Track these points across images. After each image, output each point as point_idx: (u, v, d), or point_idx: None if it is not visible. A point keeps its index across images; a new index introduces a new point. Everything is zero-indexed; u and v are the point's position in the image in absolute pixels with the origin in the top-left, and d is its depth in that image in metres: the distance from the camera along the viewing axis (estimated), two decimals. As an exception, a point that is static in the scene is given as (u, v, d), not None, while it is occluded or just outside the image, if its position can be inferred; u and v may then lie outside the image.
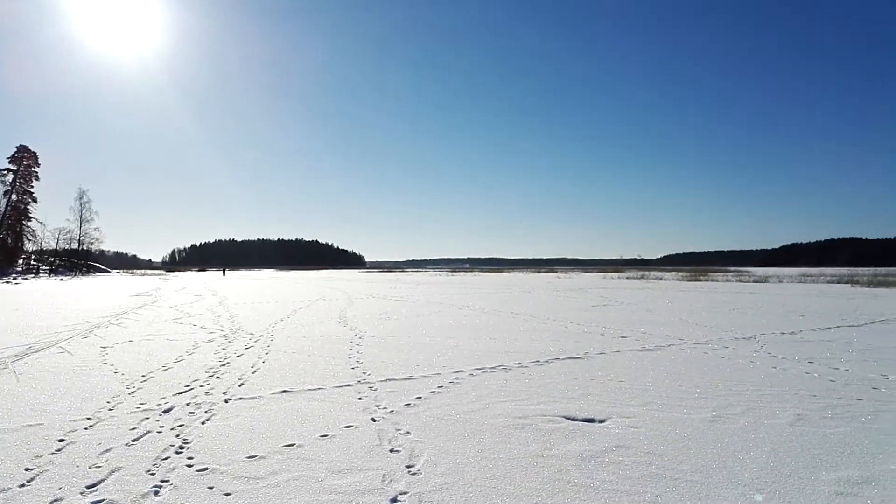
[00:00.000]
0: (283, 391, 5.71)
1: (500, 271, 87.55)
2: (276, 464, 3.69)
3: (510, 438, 4.17)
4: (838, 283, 34.77)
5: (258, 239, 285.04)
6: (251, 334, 10.15)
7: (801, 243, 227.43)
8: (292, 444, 4.06)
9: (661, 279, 44.53)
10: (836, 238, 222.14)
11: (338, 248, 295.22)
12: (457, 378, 6.33)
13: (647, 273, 58.76)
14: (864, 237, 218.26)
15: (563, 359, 7.55)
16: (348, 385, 5.98)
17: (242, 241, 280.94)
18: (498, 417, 4.73)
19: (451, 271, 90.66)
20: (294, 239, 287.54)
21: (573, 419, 4.68)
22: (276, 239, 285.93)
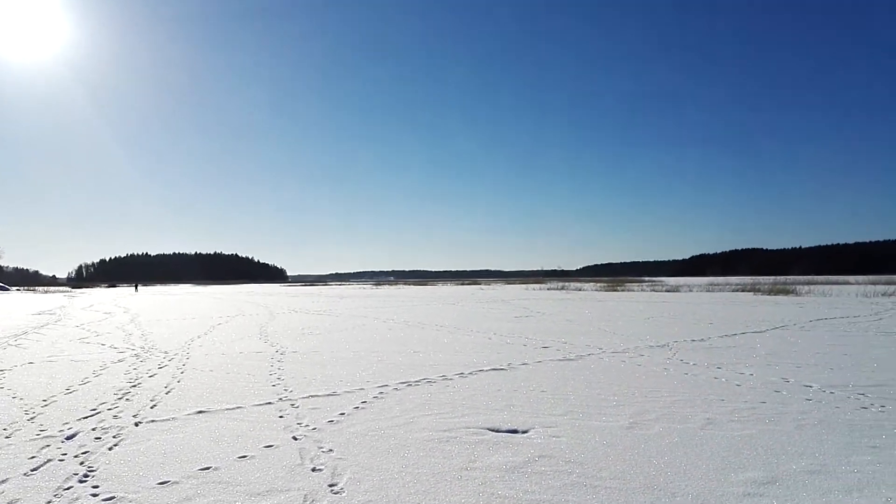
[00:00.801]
0: (200, 411, 5.48)
1: (425, 284, 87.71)
2: (190, 489, 3.52)
3: (435, 452, 4.16)
4: (742, 291, 36.78)
5: (174, 253, 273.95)
6: (165, 353, 9.71)
7: (709, 254, 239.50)
8: (208, 468, 3.89)
9: (580, 290, 45.82)
10: (739, 249, 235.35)
11: (259, 261, 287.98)
12: (381, 393, 6.27)
13: (567, 284, 60.32)
14: (764, 248, 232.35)
15: (486, 370, 7.62)
16: (269, 403, 5.81)
17: (157, 255, 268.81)
18: (422, 431, 4.71)
19: (376, 284, 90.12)
20: (213, 252, 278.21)
21: (497, 431, 4.72)
22: (193, 253, 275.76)
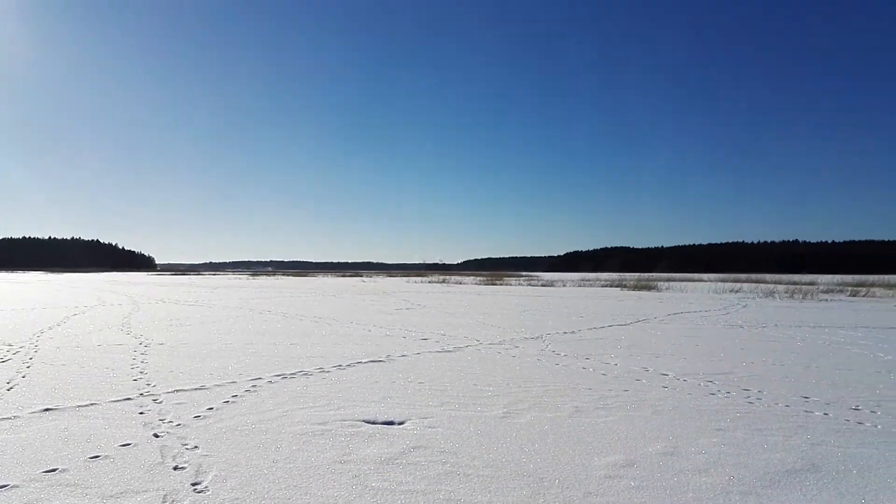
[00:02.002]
0: (47, 409, 5.01)
1: (305, 275, 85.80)
2: (33, 493, 3.20)
3: (308, 446, 4.05)
4: (611, 286, 39.05)
5: (24, 237, 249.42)
6: (9, 346, 8.82)
7: (582, 251, 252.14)
8: (55, 469, 3.56)
9: (461, 283, 46.67)
10: (609, 247, 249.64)
11: (124, 248, 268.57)
12: (254, 386, 6.03)
13: (448, 277, 61.25)
14: (631, 246, 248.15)
15: (365, 362, 7.55)
16: (128, 399, 5.42)
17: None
18: (296, 425, 4.57)
19: (253, 275, 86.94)
20: (70, 238, 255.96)
21: (373, 423, 4.67)
22: (46, 237, 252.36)
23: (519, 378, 6.61)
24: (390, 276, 76.00)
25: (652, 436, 4.37)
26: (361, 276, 78.85)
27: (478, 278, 57.98)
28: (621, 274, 70.69)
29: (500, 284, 44.86)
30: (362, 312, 16.11)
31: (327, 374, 6.70)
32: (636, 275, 59.31)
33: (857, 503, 3.13)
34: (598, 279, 54.08)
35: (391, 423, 4.69)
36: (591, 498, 3.17)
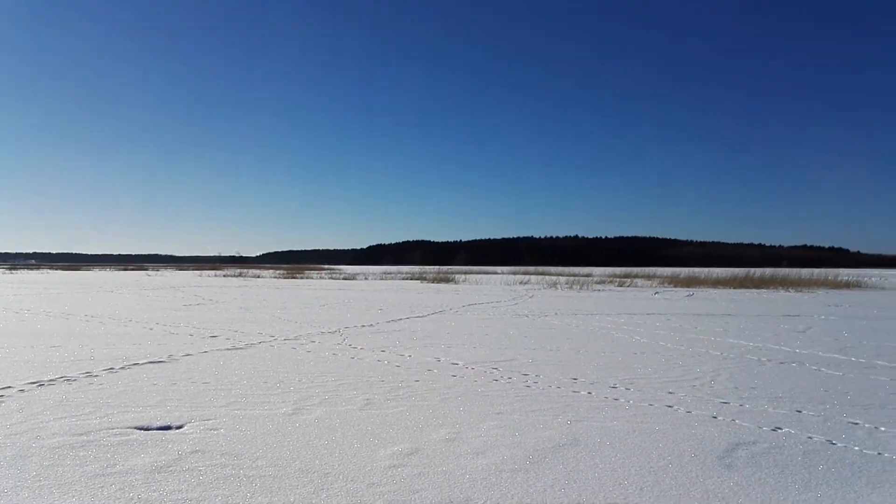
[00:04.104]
0: None
1: (78, 268, 76.69)
2: None
3: (65, 460, 3.59)
4: (411, 279, 40.15)
5: None
6: None
7: (385, 244, 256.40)
8: None
9: (259, 277, 44.98)
10: (411, 240, 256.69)
11: None
12: (0, 396, 5.23)
13: (245, 271, 58.70)
14: (431, 239, 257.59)
15: (143, 363, 6.92)
16: None
17: None
18: (51, 437, 4.04)
19: (10, 268, 75.79)
20: None
21: (146, 429, 4.29)
22: None
23: (312, 373, 6.50)
24: (181, 270, 70.96)
25: (437, 423, 4.53)
26: (147, 269, 72.61)
27: (277, 271, 56.25)
28: (422, 267, 73.04)
29: (301, 278, 44.02)
30: (144, 309, 14.80)
31: (95, 379, 6.03)
32: (436, 267, 61.62)
33: (607, 470, 3.51)
34: (399, 272, 55.37)
35: (168, 427, 4.35)
36: (374, 489, 3.20)
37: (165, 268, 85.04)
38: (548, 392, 5.68)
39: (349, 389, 5.71)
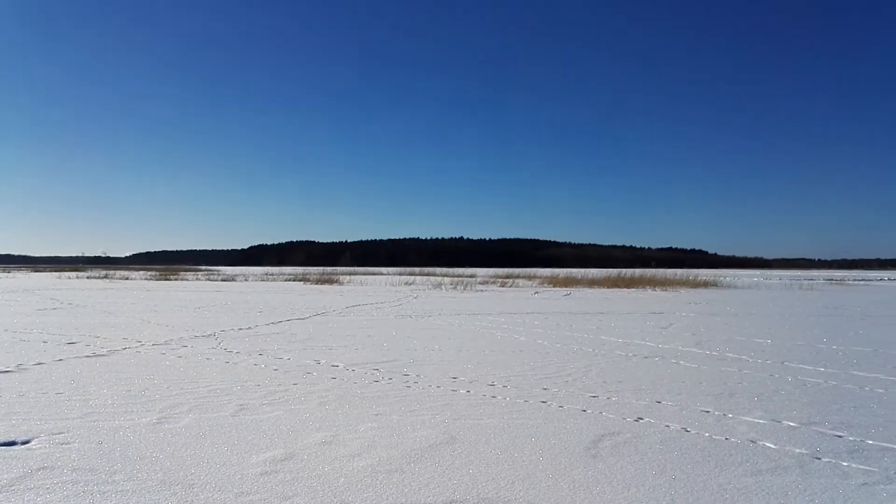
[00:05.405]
0: None
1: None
2: None
3: None
4: (294, 280, 39.19)
5: None
6: None
7: (267, 244, 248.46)
8: None
9: (127, 278, 42.20)
10: (295, 240, 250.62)
11: None
12: None
13: (112, 272, 54.87)
14: (316, 240, 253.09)
15: (-15, 374, 6.26)
16: None
17: None
18: None
19: None
20: None
21: (-15, 446, 3.87)
22: None
23: (182, 379, 6.15)
24: (36, 272, 65.18)
25: (314, 426, 4.43)
26: (-3, 271, 66.09)
27: (149, 273, 52.96)
28: (306, 268, 71.50)
29: (175, 279, 41.72)
30: (-8, 314, 13.43)
31: (-74, 393, 5.38)
32: (320, 269, 60.55)
33: (481, 467, 3.58)
34: (282, 273, 53.88)
35: (12, 443, 3.94)
36: (243, 498, 3.06)
37: (18, 269, 77.70)
38: (428, 392, 5.72)
39: (222, 395, 5.46)
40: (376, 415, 4.81)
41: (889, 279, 55.83)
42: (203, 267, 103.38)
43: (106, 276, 45.50)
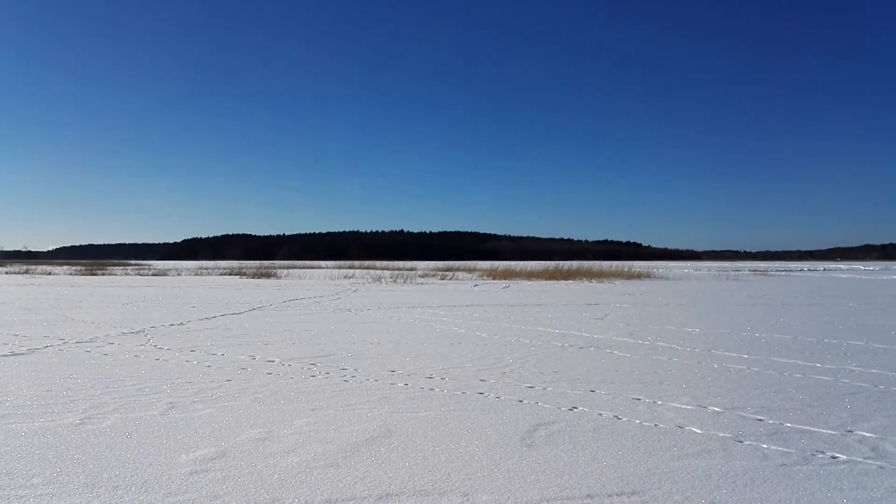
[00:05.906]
0: None
1: None
2: None
3: None
4: (230, 274, 38.25)
5: None
6: None
7: (202, 237, 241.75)
8: None
9: (50, 274, 40.22)
10: (231, 234, 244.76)
11: None
12: None
13: (33, 267, 52.18)
14: (253, 233, 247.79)
15: None
16: None
17: None
18: None
19: None
20: None
21: None
22: None
23: (108, 378, 5.90)
24: (-50, 267, 61.34)
25: (248, 423, 4.33)
26: None
27: (74, 268, 50.64)
28: (242, 262, 69.87)
29: (103, 274, 40.08)
30: None
31: None
32: (257, 262, 59.31)
33: (418, 459, 3.58)
34: (217, 267, 52.41)
35: (-83, 450, 3.70)
36: (170, 498, 2.96)
37: (-71, 264, 72.86)
38: (365, 385, 5.68)
39: (150, 393, 5.27)
40: (312, 410, 4.74)
41: (808, 269, 59.09)
42: (133, 261, 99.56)
43: (27, 272, 43.23)
